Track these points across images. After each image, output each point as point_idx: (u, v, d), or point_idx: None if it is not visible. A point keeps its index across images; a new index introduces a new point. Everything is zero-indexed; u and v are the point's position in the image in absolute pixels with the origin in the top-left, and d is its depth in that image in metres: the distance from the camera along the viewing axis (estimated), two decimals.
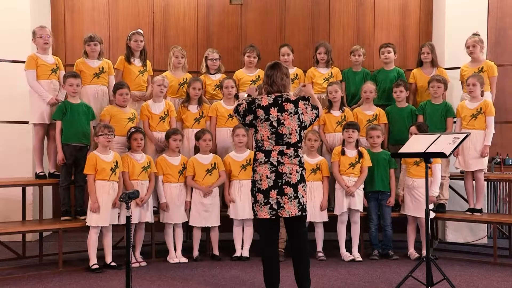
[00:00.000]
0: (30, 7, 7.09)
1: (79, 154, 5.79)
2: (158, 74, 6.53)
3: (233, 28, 7.85)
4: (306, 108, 4.40)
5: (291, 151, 4.31)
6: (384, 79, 6.73)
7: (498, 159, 7.28)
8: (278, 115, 4.31)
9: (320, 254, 5.97)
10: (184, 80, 6.55)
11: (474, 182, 6.27)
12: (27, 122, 6.16)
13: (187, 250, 6.03)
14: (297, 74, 6.75)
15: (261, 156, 4.33)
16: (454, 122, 6.36)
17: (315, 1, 7.86)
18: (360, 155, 5.97)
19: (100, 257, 5.56)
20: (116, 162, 5.57)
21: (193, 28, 7.84)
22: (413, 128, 5.94)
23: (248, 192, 5.91)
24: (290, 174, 4.27)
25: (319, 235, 6.02)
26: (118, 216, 5.63)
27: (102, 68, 6.20)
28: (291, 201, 4.26)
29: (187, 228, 6.33)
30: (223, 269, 5.57)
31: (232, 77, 6.60)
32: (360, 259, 5.88)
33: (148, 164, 5.80)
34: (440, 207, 6.25)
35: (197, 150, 6.09)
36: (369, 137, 6.11)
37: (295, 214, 4.28)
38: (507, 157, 7.37)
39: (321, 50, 6.73)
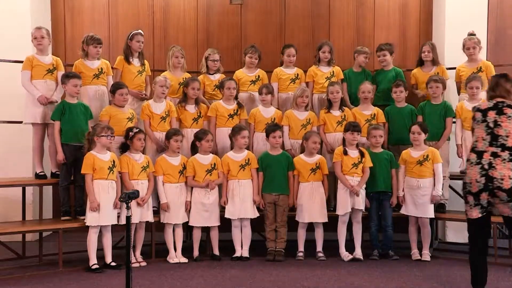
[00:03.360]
0: (30, 7, 7.09)
1: (78, 153, 5.78)
2: (158, 74, 6.54)
3: (233, 28, 7.84)
4: None
5: (505, 154, 4.22)
6: (383, 79, 6.73)
7: None
8: (495, 117, 4.31)
9: (320, 254, 5.96)
10: (184, 79, 6.54)
11: None
12: None
13: (187, 250, 6.02)
14: (297, 74, 6.74)
15: (473, 157, 4.33)
16: (454, 122, 6.35)
17: (315, 1, 7.85)
18: (362, 155, 5.96)
19: (100, 257, 5.55)
20: (113, 161, 5.57)
21: (193, 28, 7.83)
22: (415, 127, 5.91)
23: (246, 191, 5.98)
24: (502, 180, 4.17)
25: (319, 235, 6.01)
26: (118, 216, 5.63)
27: (101, 68, 6.21)
28: (503, 203, 4.21)
29: (187, 228, 6.32)
30: (223, 269, 5.56)
31: (232, 77, 6.59)
32: (361, 257, 5.87)
33: (147, 164, 5.80)
34: (440, 207, 6.24)
35: (193, 149, 6.08)
36: (372, 137, 6.07)
37: (508, 214, 4.24)
38: None
39: (325, 49, 6.71)
